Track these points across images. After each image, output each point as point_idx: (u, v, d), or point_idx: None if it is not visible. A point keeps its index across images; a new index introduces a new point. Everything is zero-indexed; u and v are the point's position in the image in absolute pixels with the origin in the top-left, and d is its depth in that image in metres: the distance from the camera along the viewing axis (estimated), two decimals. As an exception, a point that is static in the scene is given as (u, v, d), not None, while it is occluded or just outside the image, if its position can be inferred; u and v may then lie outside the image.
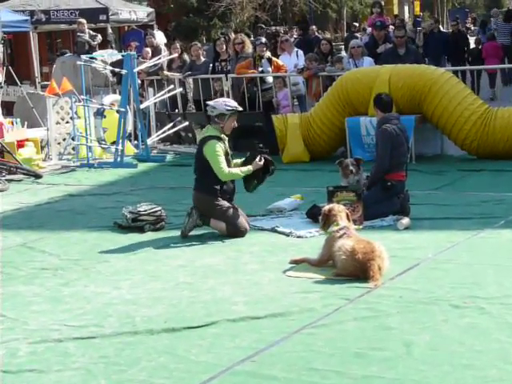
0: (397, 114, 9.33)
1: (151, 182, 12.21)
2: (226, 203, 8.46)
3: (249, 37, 20.03)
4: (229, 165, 8.47)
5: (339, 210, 7.21)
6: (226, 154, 8.48)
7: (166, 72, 16.05)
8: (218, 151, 8.34)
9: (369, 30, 22.41)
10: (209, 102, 8.92)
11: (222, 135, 8.52)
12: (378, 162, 8.95)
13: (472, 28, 43.31)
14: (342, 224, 7.06)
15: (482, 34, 26.02)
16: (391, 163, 8.80)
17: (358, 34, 23.01)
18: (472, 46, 22.02)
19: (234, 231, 8.36)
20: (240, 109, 8.85)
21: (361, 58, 14.08)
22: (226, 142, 8.58)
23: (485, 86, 19.65)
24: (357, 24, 31.24)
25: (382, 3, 24.06)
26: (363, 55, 14.19)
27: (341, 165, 9.17)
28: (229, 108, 8.53)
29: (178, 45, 17.61)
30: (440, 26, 24.10)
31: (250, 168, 8.53)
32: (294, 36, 24.45)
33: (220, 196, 8.44)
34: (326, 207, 7.35)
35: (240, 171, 8.51)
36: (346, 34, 31.91)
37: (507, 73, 21.97)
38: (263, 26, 28.31)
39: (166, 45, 20.37)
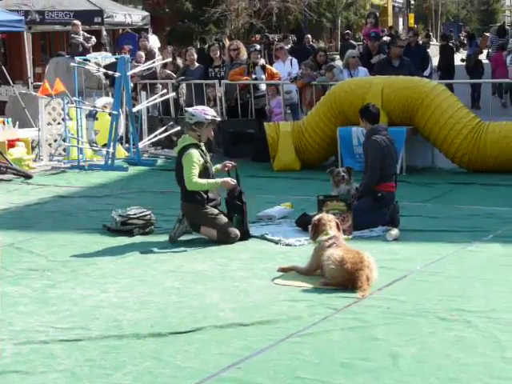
0: (385, 125, 9.28)
1: (141, 185, 12.19)
2: (215, 210, 8.47)
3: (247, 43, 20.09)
4: (208, 172, 8.45)
5: (329, 219, 7.21)
6: (205, 162, 8.46)
7: (166, 70, 16.12)
8: (194, 162, 8.31)
9: None
10: (188, 109, 8.90)
11: (200, 143, 8.52)
12: (369, 174, 8.92)
13: (465, 42, 43.58)
14: (331, 233, 7.06)
15: (469, 47, 26.14)
16: (381, 174, 8.82)
17: (353, 42, 23.02)
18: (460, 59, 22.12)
19: (225, 238, 8.35)
20: (219, 119, 8.87)
21: (356, 69, 14.10)
22: (204, 149, 8.57)
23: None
24: (349, 32, 31.22)
25: (377, 14, 24.09)
26: (358, 65, 14.22)
27: (332, 173, 9.18)
28: (208, 117, 8.52)
29: (169, 49, 17.62)
30: (434, 40, 24.12)
31: (217, 181, 8.46)
32: (289, 45, 24.46)
33: (208, 203, 8.45)
34: (316, 217, 7.34)
35: (207, 182, 8.41)
36: (339, 44, 31.93)
37: None
38: (268, 34, 28.30)
39: (158, 49, 20.37)
